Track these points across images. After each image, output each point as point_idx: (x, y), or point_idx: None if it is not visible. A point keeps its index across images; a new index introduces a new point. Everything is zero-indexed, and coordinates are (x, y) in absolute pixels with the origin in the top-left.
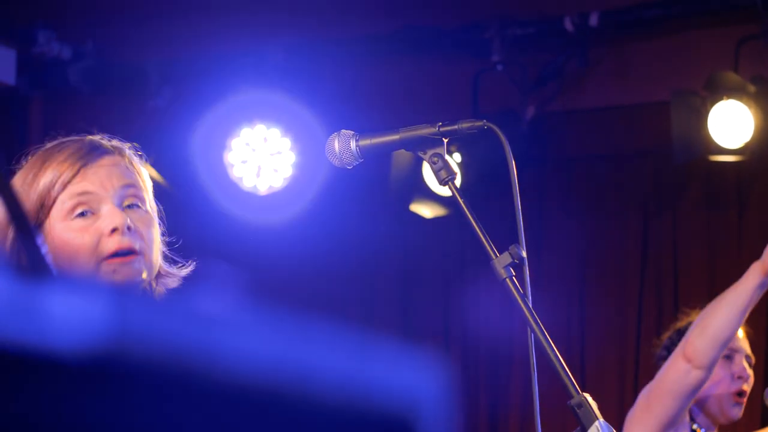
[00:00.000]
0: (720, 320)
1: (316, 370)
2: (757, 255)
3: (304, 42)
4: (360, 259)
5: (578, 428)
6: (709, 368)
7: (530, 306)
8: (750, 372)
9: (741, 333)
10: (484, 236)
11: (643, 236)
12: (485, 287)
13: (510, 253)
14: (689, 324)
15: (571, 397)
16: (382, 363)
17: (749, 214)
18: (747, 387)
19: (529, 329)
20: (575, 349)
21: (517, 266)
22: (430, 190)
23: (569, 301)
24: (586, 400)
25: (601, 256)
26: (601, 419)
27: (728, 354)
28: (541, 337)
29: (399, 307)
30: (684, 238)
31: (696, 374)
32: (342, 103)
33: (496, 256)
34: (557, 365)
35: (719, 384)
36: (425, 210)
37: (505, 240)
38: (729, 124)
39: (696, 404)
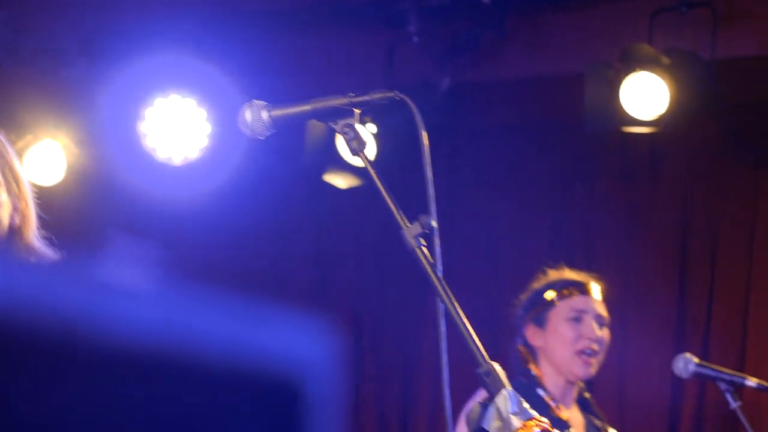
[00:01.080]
0: None
1: (207, 337)
2: (669, 225)
3: (219, 13)
4: (274, 230)
5: (486, 396)
6: None
7: (440, 275)
8: (601, 333)
9: (597, 293)
10: (395, 206)
11: (556, 206)
12: (398, 257)
13: (420, 223)
14: (547, 285)
15: (479, 365)
16: (276, 330)
17: (662, 184)
18: (596, 347)
19: (438, 298)
20: (487, 320)
21: (428, 236)
22: (344, 161)
23: (481, 272)
24: (494, 368)
25: (514, 228)
26: (509, 387)
27: (577, 316)
28: (450, 307)
29: (313, 277)
30: (597, 209)
31: None
32: (258, 74)
33: (407, 225)
34: (466, 334)
35: (566, 344)
36: (339, 180)
37: (419, 210)
38: (643, 95)
39: (548, 363)
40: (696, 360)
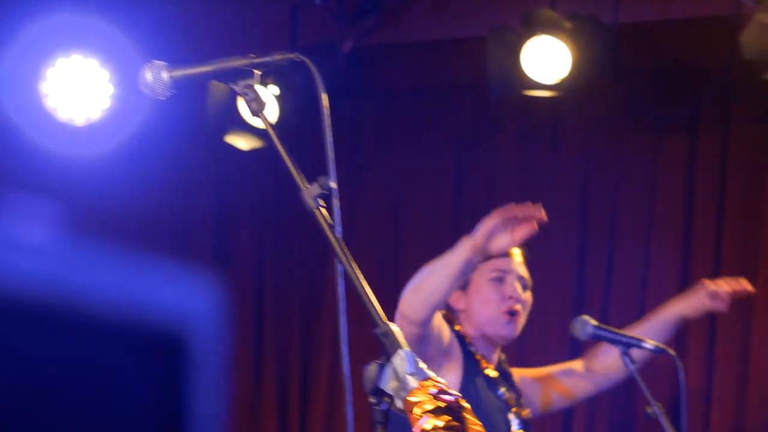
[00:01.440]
0: (431, 285)
1: (101, 293)
2: (570, 189)
3: None
4: (175, 191)
5: (383, 356)
6: (422, 325)
7: (338, 236)
8: (524, 295)
9: (518, 256)
10: (294, 167)
11: (457, 170)
12: (300, 218)
13: (319, 184)
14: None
15: (377, 326)
16: (170, 290)
17: (563, 148)
18: (519, 307)
19: (336, 259)
20: (388, 278)
21: (327, 197)
22: (246, 122)
23: (382, 232)
24: (392, 329)
25: (415, 190)
26: (406, 347)
27: (499, 276)
28: (348, 267)
29: (213, 238)
30: (498, 173)
31: (410, 329)
32: (162, 36)
33: (306, 187)
34: (364, 295)
35: (489, 304)
36: (241, 142)
37: (320, 171)
38: (544, 59)
39: (472, 326)
40: (594, 322)
